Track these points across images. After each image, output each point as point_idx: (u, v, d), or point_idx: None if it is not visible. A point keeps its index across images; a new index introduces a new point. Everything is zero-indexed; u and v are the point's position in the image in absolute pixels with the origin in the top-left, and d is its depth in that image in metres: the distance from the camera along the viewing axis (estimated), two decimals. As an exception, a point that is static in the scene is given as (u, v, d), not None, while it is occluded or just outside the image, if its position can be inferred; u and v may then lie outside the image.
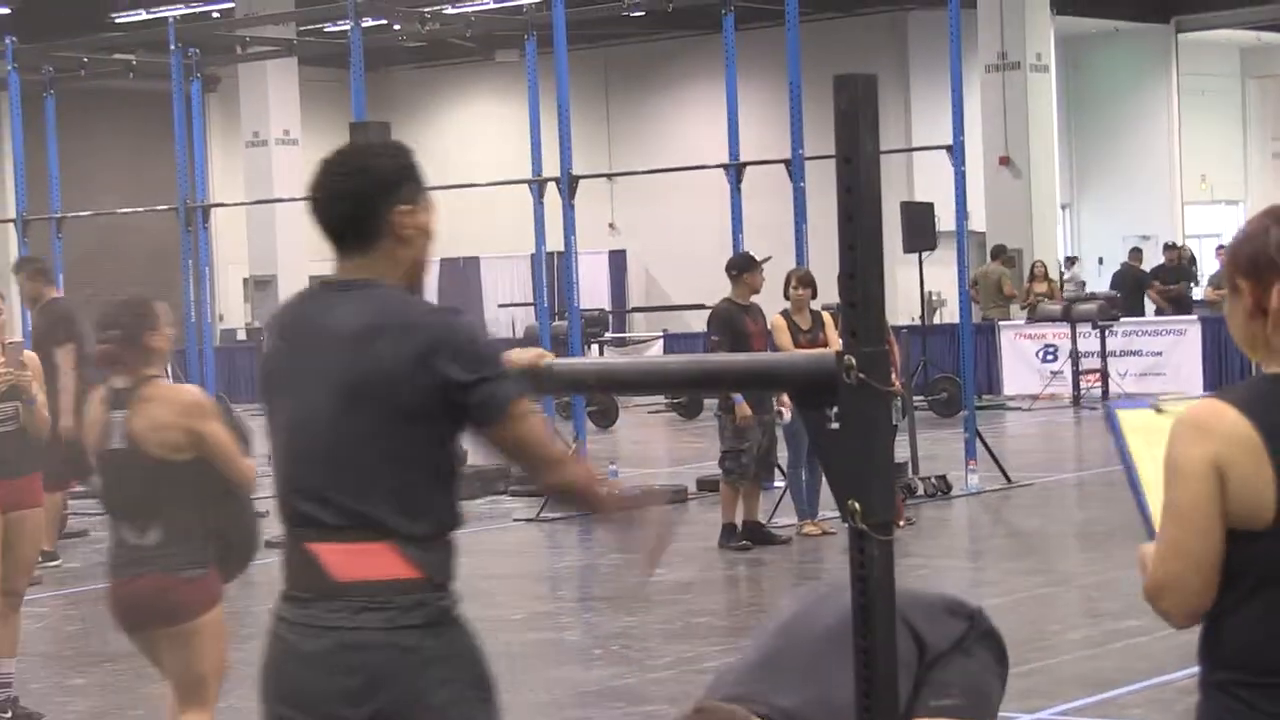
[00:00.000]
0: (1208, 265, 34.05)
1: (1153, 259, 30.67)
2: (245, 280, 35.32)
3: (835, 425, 3.95)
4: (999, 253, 28.22)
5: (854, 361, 3.86)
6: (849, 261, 3.91)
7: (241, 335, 34.01)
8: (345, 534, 4.06)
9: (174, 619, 6.27)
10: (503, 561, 13.55)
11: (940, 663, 4.73)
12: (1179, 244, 31.52)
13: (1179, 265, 30.13)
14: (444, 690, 4.10)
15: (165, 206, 19.48)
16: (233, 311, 35.83)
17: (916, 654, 4.66)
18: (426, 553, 4.09)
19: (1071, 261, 33.97)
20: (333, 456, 4.06)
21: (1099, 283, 34.39)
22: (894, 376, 6.74)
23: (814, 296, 13.80)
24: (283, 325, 4.27)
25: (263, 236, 33.47)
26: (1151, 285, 29.12)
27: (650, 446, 22.75)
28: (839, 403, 3.91)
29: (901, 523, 13.18)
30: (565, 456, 4.13)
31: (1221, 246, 29.75)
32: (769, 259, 14.08)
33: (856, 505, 3.88)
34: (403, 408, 4.01)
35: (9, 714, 8.69)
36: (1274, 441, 3.30)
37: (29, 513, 8.69)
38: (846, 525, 3.92)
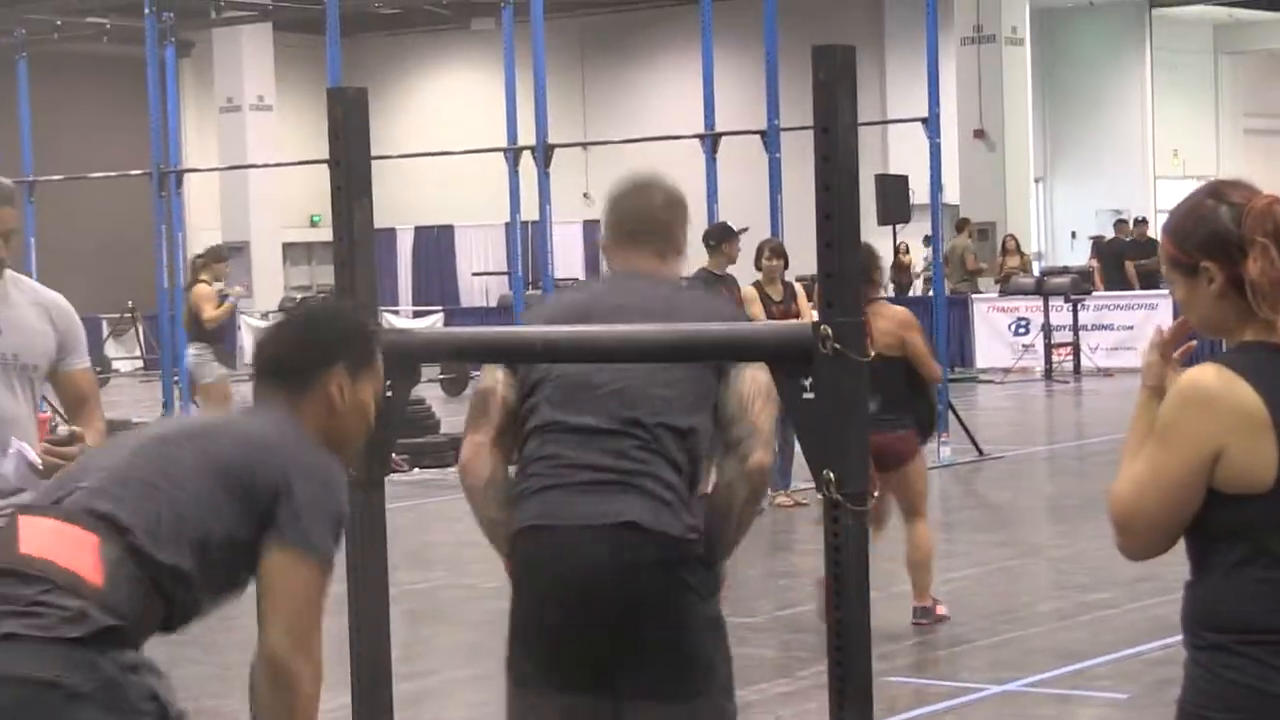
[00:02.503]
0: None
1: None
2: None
3: (810, 395, 3.96)
4: (963, 226, 28.22)
5: (830, 331, 3.87)
6: (826, 231, 3.91)
7: (213, 301, 33.91)
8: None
9: (897, 463, 9.34)
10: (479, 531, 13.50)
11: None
12: (1145, 219, 31.52)
13: (1148, 240, 30.18)
14: None
15: (138, 171, 19.38)
16: (205, 278, 35.70)
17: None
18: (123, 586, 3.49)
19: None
20: None
21: (1071, 257, 34.45)
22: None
23: (786, 267, 13.78)
24: None
25: (235, 203, 33.38)
26: (1129, 258, 29.15)
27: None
28: (814, 373, 3.91)
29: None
30: None
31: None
32: (746, 229, 14.02)
33: (831, 475, 3.89)
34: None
35: None
36: (1277, 412, 3.28)
37: None
38: (819, 496, 3.93)
